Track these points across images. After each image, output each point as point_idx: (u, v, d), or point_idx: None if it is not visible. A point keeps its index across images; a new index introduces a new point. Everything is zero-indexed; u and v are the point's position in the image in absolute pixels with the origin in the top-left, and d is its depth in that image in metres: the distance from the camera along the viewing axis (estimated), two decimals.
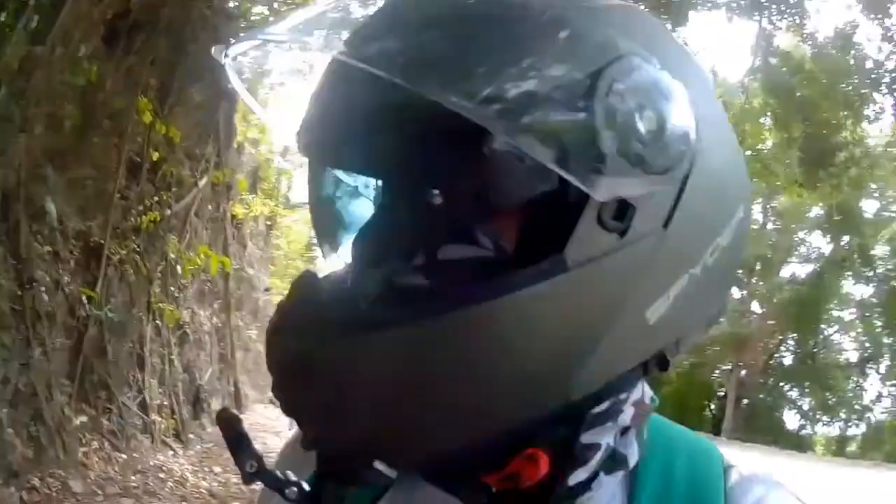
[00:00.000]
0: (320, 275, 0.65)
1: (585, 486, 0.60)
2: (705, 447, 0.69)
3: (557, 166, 0.51)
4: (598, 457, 0.60)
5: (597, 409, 0.60)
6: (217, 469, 6.97)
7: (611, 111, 0.53)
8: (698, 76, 0.61)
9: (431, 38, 0.54)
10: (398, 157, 0.61)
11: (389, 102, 0.57)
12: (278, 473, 0.64)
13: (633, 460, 0.63)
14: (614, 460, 0.61)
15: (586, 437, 0.60)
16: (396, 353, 0.55)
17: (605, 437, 0.61)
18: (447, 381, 0.56)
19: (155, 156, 6.93)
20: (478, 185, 0.58)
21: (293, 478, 0.64)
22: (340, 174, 0.73)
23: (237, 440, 0.63)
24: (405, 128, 0.59)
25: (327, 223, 0.75)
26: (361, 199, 0.73)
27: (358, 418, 0.57)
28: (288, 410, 0.61)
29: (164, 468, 6.14)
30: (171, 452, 6.68)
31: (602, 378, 0.59)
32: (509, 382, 0.56)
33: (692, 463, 0.67)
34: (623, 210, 0.54)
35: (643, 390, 0.65)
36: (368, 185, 0.71)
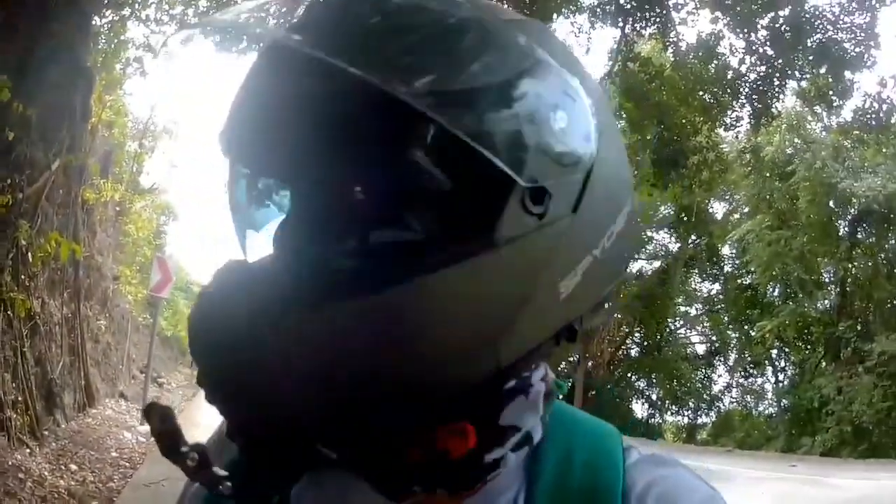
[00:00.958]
0: (239, 264, 0.66)
1: (497, 464, 0.64)
2: (606, 430, 0.75)
3: (491, 155, 0.56)
4: (515, 439, 0.64)
5: (509, 385, 0.64)
6: (73, 467, 6.71)
7: (532, 109, 0.59)
8: (595, 86, 0.68)
9: (373, 30, 0.59)
10: (327, 144, 0.60)
11: (320, 92, 0.59)
12: (216, 469, 0.61)
13: (536, 438, 0.66)
14: (522, 438, 0.65)
15: (508, 418, 0.63)
16: (334, 331, 0.57)
17: (526, 421, 0.65)
18: (382, 355, 0.57)
19: (11, 136, 6.51)
20: (408, 171, 0.59)
21: (223, 473, 0.61)
22: (263, 166, 0.68)
23: (171, 434, 0.60)
24: (334, 115, 0.59)
25: (251, 219, 0.73)
26: (284, 191, 0.70)
27: (296, 400, 0.58)
28: (216, 398, 0.61)
29: (22, 467, 5.84)
30: (28, 450, 6.35)
31: (526, 344, 0.63)
32: (440, 353, 0.58)
33: (592, 444, 0.71)
34: (541, 196, 0.58)
35: (546, 370, 0.70)
36: (294, 177, 0.66)
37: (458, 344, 0.59)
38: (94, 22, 7.61)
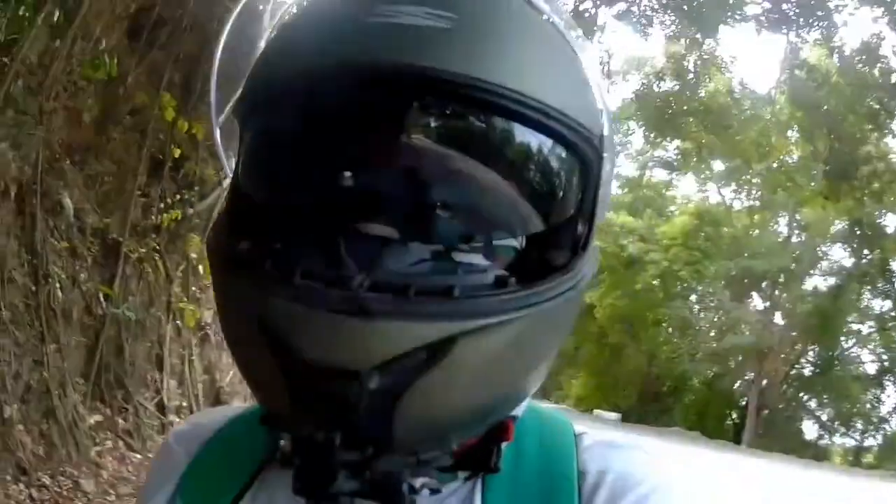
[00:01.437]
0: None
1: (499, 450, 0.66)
2: (556, 418, 0.73)
3: (606, 180, 0.66)
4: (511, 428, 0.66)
5: None
6: None
7: (610, 143, 0.66)
8: None
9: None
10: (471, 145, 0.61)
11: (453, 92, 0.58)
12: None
13: None
14: None
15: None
16: (511, 340, 0.58)
17: (519, 409, 0.68)
18: (535, 365, 0.64)
19: (177, 153, 6.85)
20: (537, 188, 0.62)
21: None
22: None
23: None
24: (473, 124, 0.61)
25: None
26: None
27: (444, 412, 0.58)
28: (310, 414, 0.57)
29: None
30: None
31: None
32: (544, 366, 0.65)
33: (542, 433, 0.70)
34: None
35: None
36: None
37: (549, 358, 0.66)
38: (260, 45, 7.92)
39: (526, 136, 0.60)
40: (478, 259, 0.60)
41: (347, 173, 0.59)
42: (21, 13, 4.02)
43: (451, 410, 0.58)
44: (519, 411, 0.68)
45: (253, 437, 0.71)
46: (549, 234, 0.64)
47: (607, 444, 0.70)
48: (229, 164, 0.71)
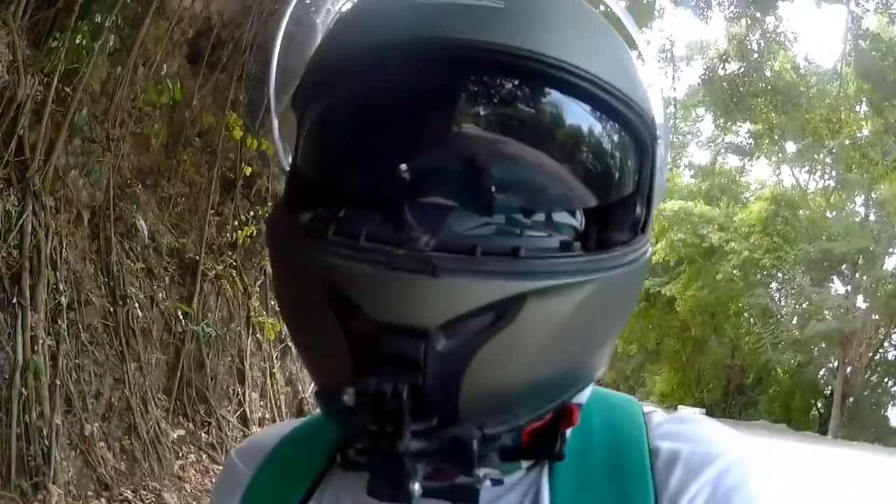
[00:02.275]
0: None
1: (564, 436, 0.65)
2: (623, 398, 0.72)
3: (662, 164, 0.67)
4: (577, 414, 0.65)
5: None
6: None
7: (664, 130, 0.67)
8: None
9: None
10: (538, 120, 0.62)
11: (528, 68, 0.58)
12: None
13: None
14: None
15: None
16: (577, 303, 0.57)
17: (583, 396, 0.67)
18: (599, 333, 0.63)
19: (248, 171, 7.00)
20: (606, 163, 0.63)
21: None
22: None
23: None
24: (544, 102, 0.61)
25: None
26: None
27: (510, 383, 0.57)
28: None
29: None
30: None
31: None
32: (609, 347, 0.66)
33: (609, 415, 0.69)
34: None
35: None
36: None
37: (616, 332, 0.67)
38: None
39: (581, 110, 0.61)
40: (521, 224, 0.61)
41: (406, 152, 0.60)
42: (79, 42, 4.16)
43: (520, 379, 0.57)
44: (583, 398, 0.68)
45: (313, 446, 0.74)
46: (608, 213, 0.64)
47: (679, 419, 0.69)
48: (287, 158, 0.72)
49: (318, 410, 0.69)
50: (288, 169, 0.70)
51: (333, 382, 0.57)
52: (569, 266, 0.57)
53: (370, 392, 0.53)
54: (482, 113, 0.60)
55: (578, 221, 0.64)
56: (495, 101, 0.60)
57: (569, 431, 0.65)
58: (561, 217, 0.63)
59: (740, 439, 0.66)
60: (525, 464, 0.65)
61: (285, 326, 0.71)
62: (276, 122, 0.74)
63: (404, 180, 0.59)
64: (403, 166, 0.60)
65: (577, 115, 0.61)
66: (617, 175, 0.64)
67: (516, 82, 0.59)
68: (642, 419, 0.69)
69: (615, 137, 0.63)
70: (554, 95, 0.60)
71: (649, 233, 0.66)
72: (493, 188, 0.59)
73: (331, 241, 0.57)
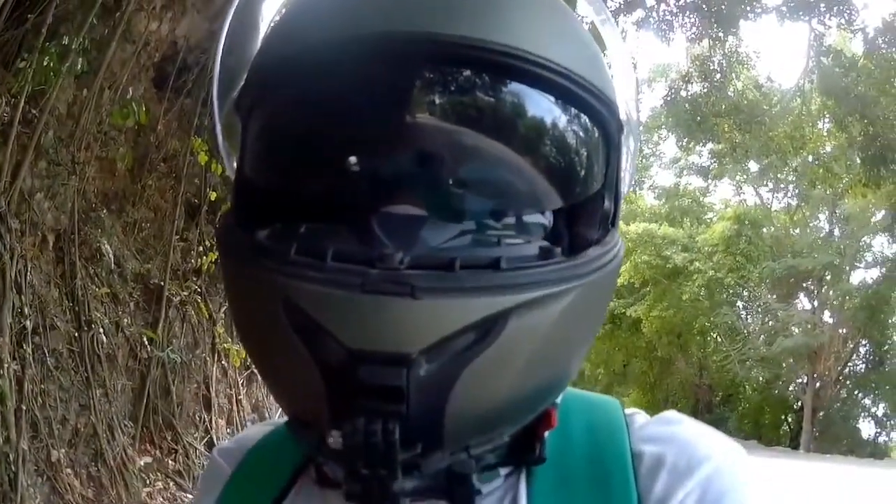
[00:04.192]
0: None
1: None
2: (603, 400, 0.70)
3: (632, 158, 0.66)
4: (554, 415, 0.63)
5: None
6: None
7: (632, 123, 0.66)
8: None
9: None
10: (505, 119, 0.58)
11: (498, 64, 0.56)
12: None
13: None
14: None
15: None
16: (554, 314, 0.54)
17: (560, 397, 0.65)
18: (583, 342, 0.61)
19: (213, 196, 6.97)
20: (578, 161, 0.60)
21: None
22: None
23: None
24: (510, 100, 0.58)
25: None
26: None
27: (497, 395, 0.54)
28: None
29: None
30: None
31: None
32: (585, 350, 0.63)
33: (590, 417, 0.66)
34: None
35: None
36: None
37: (592, 338, 0.64)
38: None
39: (549, 103, 0.57)
40: (495, 233, 0.58)
41: (364, 154, 0.57)
42: (46, 63, 4.14)
43: (504, 397, 0.54)
44: (559, 398, 0.65)
45: (289, 445, 0.71)
46: (577, 209, 0.61)
47: (663, 421, 0.66)
48: (230, 163, 0.68)
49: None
50: (233, 176, 0.65)
51: (307, 413, 0.56)
52: (552, 275, 0.54)
53: (359, 434, 0.50)
54: (448, 111, 0.56)
55: (547, 220, 0.61)
56: (454, 96, 0.56)
57: (547, 434, 0.62)
58: (531, 217, 0.60)
59: (723, 440, 0.64)
60: (503, 470, 0.62)
61: (245, 351, 0.67)
62: (218, 127, 0.70)
63: (366, 186, 0.56)
64: (353, 159, 0.56)
65: (546, 108, 0.57)
66: (588, 169, 0.61)
67: (484, 77, 0.56)
68: (623, 421, 0.66)
69: (585, 129, 0.60)
70: (523, 89, 0.56)
71: (618, 227, 0.64)
72: (463, 191, 0.56)
73: (294, 262, 0.52)
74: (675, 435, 0.63)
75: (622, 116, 0.62)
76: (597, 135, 0.60)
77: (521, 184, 0.58)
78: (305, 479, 0.69)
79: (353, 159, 0.56)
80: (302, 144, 0.60)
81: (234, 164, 0.65)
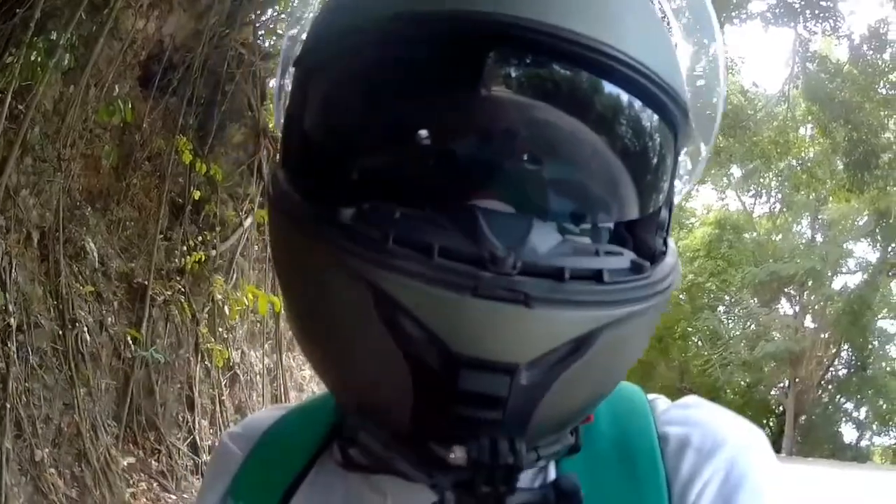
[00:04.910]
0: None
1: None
2: (624, 387, 0.69)
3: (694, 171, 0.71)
4: None
5: None
6: None
7: None
8: None
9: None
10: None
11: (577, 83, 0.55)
12: None
13: None
14: None
15: None
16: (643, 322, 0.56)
17: None
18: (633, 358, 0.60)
19: (197, 195, 6.93)
20: (656, 175, 0.59)
21: None
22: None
23: None
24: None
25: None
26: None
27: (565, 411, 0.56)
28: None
29: None
30: None
31: None
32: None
33: (613, 403, 0.65)
34: None
35: None
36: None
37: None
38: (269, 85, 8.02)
39: (636, 104, 0.56)
40: (587, 241, 0.57)
41: (465, 141, 0.54)
42: (33, 59, 4.11)
43: (580, 404, 0.56)
44: None
45: (305, 430, 0.71)
46: (644, 218, 0.61)
47: (683, 405, 0.68)
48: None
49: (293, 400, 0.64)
50: (285, 127, 0.61)
51: (379, 407, 0.55)
52: (642, 291, 0.53)
53: (484, 453, 0.49)
54: (554, 111, 0.54)
55: (611, 226, 0.61)
56: (573, 98, 0.54)
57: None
58: (605, 224, 0.60)
59: (744, 422, 0.66)
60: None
61: (293, 327, 0.62)
62: (277, 86, 0.68)
63: (464, 174, 0.53)
64: (454, 144, 0.53)
65: (639, 113, 0.56)
66: (668, 178, 0.61)
67: (597, 81, 0.54)
68: (647, 406, 0.67)
69: (665, 138, 0.59)
70: (622, 94, 0.55)
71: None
72: (559, 192, 0.55)
73: (393, 252, 0.49)
74: (699, 417, 0.65)
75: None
76: (674, 143, 0.60)
77: (613, 190, 0.58)
78: (326, 460, 0.68)
79: (453, 144, 0.54)
80: (392, 110, 0.56)
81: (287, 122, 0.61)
